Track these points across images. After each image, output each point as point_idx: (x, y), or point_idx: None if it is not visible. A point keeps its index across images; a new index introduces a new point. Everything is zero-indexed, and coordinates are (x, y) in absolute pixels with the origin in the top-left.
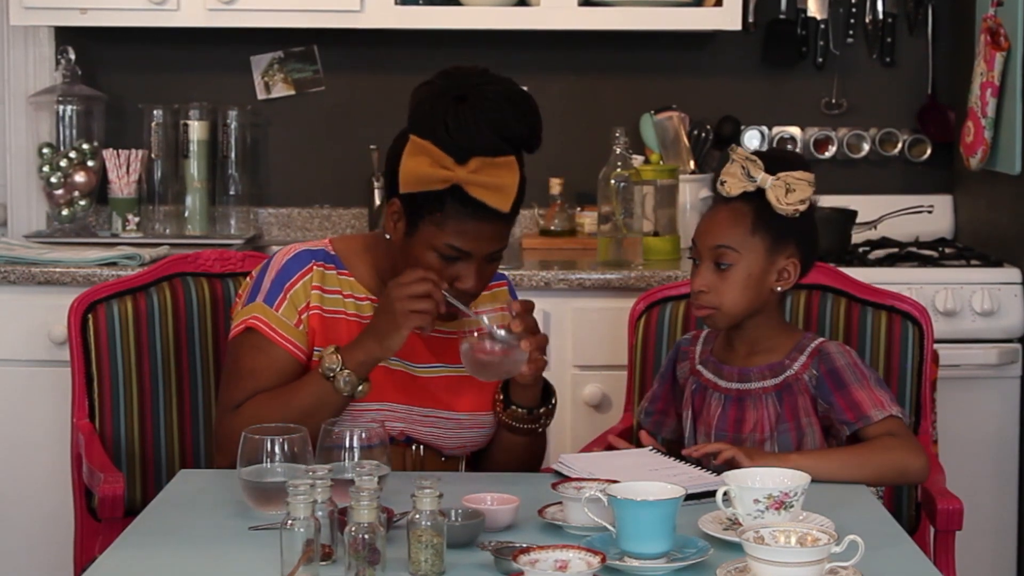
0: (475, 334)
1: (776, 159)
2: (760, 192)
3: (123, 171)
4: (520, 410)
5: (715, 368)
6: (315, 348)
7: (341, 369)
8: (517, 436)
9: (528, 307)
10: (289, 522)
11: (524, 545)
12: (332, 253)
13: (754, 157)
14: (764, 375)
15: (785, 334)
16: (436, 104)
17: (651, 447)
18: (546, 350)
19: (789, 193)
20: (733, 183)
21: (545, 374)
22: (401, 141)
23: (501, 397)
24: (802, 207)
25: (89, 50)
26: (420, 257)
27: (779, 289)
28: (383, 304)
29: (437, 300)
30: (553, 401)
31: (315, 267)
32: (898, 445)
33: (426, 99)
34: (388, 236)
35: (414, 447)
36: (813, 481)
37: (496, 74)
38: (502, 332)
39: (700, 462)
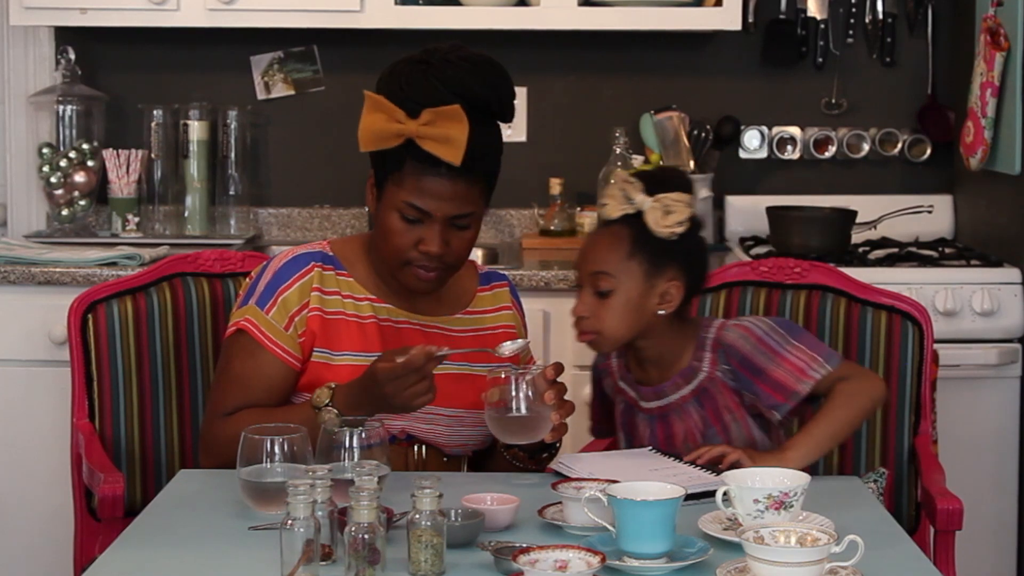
0: (501, 393)
1: (657, 180)
2: (639, 215)
3: (123, 171)
4: (522, 452)
5: (634, 387)
6: (315, 349)
7: (330, 406)
8: (515, 469)
9: (560, 371)
10: (289, 522)
11: (524, 545)
12: (331, 254)
13: (633, 179)
14: (679, 384)
15: (686, 338)
16: (398, 66)
17: (651, 447)
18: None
19: (667, 215)
20: (613, 206)
21: None
22: None
23: None
24: (679, 229)
25: (89, 50)
26: (385, 220)
27: (662, 312)
28: (380, 395)
29: (432, 383)
30: (558, 444)
31: (315, 268)
32: (851, 386)
33: (394, 67)
34: (367, 209)
35: (416, 447)
36: (814, 476)
37: (470, 49)
38: (529, 395)
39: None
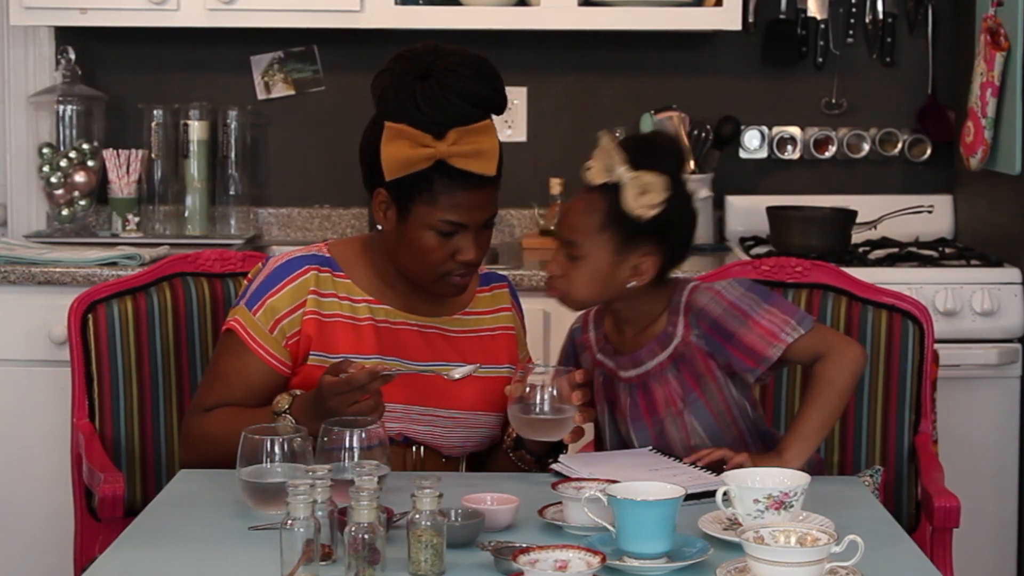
0: (527, 391)
1: (642, 153)
2: (618, 186)
3: (123, 171)
4: (529, 455)
5: (612, 356)
6: (311, 352)
7: (287, 412)
8: (520, 470)
9: (588, 377)
10: (289, 522)
11: (524, 545)
12: (328, 256)
13: (618, 148)
14: (655, 351)
15: (662, 299)
16: (401, 87)
17: (651, 447)
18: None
19: (642, 195)
20: (596, 171)
21: None
22: (373, 131)
23: (514, 435)
24: (652, 212)
25: (89, 50)
26: (417, 239)
27: (632, 284)
28: (325, 408)
29: (379, 400)
30: (565, 451)
31: (311, 271)
32: (830, 366)
33: (389, 85)
34: (380, 227)
35: (414, 448)
36: (814, 477)
37: (447, 46)
38: (555, 395)
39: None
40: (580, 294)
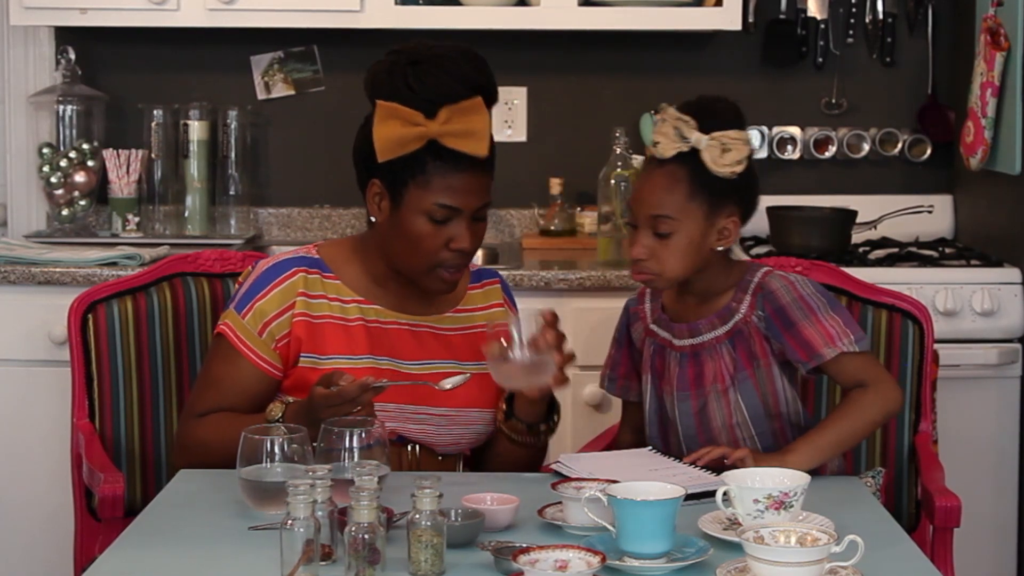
0: (503, 340)
1: (709, 114)
2: (695, 152)
3: (123, 171)
4: (521, 424)
5: (667, 326)
6: (301, 354)
7: (280, 420)
8: (515, 447)
9: (556, 317)
10: (289, 522)
11: (524, 545)
12: (316, 257)
13: (686, 117)
14: (714, 324)
15: (732, 274)
16: (393, 71)
17: (651, 447)
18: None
19: (725, 154)
20: (666, 144)
21: None
22: (366, 126)
23: (504, 407)
24: (739, 168)
25: (89, 50)
26: (411, 226)
27: (720, 248)
28: (317, 419)
29: (370, 412)
30: (556, 418)
31: (299, 273)
32: (867, 397)
33: (380, 71)
34: (374, 219)
35: (409, 447)
36: (814, 476)
37: (439, 42)
38: (527, 346)
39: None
40: (674, 270)
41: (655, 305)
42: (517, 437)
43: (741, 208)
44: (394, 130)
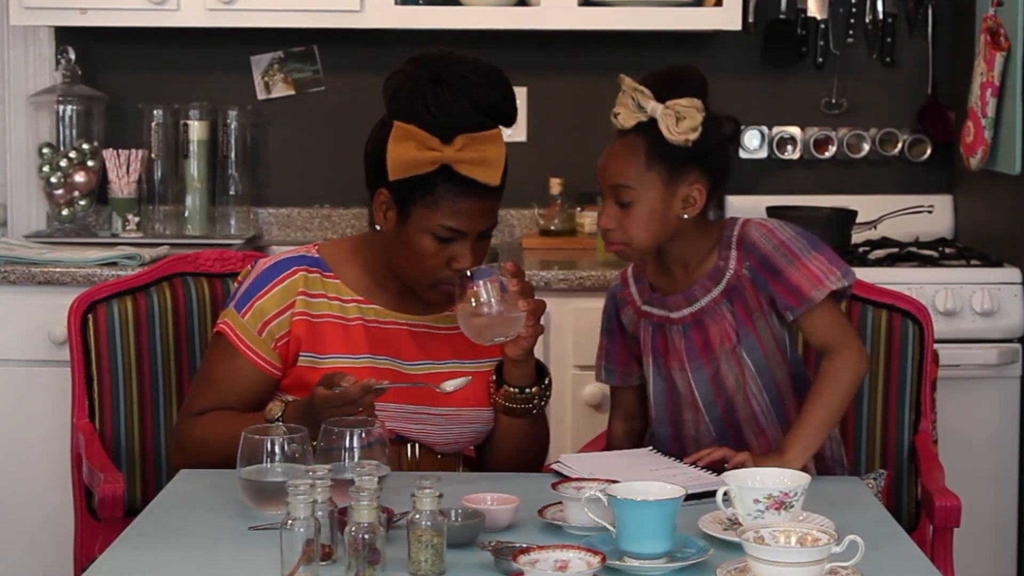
0: (471, 298)
1: (666, 84)
2: (653, 122)
3: (123, 171)
4: (512, 389)
5: (662, 303)
6: (301, 353)
7: (279, 419)
8: (514, 419)
9: (519, 268)
10: (289, 522)
11: (524, 545)
12: (317, 257)
13: (642, 87)
14: (708, 287)
15: (709, 237)
16: (414, 89)
17: (651, 447)
18: (540, 317)
19: (680, 122)
20: (625, 115)
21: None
22: (382, 132)
23: (494, 378)
24: (694, 135)
25: (89, 50)
26: (415, 242)
27: (686, 216)
28: (318, 420)
29: (371, 413)
30: (547, 380)
31: (299, 272)
32: (836, 367)
33: (402, 86)
34: (379, 227)
35: (408, 446)
36: (815, 478)
37: (462, 53)
38: (494, 294)
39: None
40: (640, 239)
41: (642, 288)
42: (512, 404)
43: (706, 175)
44: (408, 152)
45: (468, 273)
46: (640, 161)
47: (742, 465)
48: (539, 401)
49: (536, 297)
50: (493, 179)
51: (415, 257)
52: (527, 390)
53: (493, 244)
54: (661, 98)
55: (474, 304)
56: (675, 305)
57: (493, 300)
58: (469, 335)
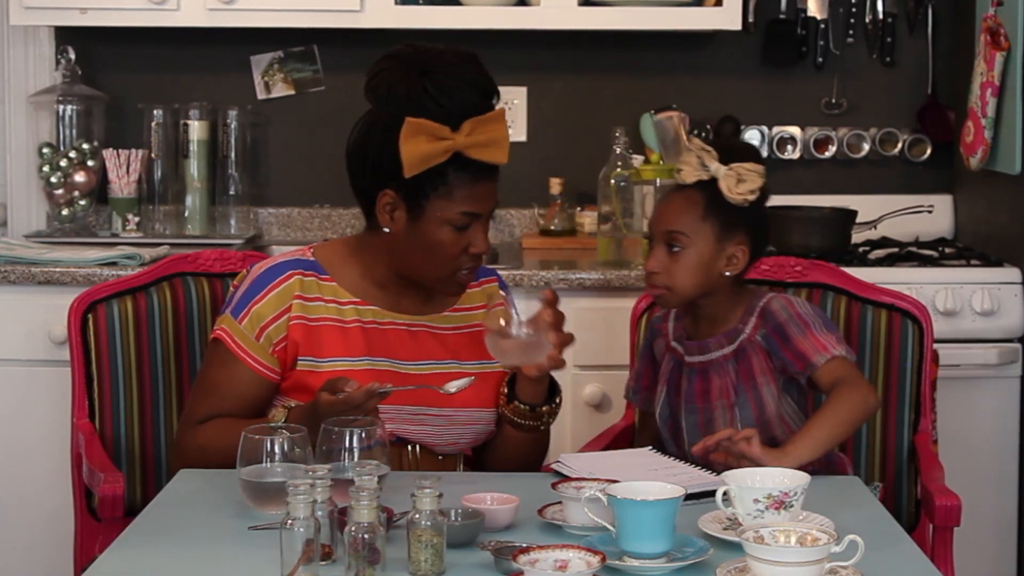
0: (501, 317)
1: (730, 150)
2: (713, 181)
3: (123, 171)
4: (523, 406)
5: (683, 343)
6: (299, 357)
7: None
8: (519, 432)
9: (556, 297)
10: (289, 522)
11: (524, 545)
12: (312, 260)
13: (709, 148)
14: (721, 343)
15: (739, 303)
16: (408, 84)
17: (651, 447)
18: (565, 350)
19: (740, 183)
20: (688, 171)
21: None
22: (374, 132)
23: (505, 391)
24: (752, 197)
25: (89, 50)
26: (434, 236)
27: (727, 274)
28: (319, 423)
29: (375, 418)
30: (558, 400)
31: (294, 276)
32: (849, 390)
33: (394, 84)
34: (387, 229)
35: (409, 447)
36: (814, 475)
37: (423, 44)
38: (524, 325)
39: (698, 461)
40: (683, 286)
41: (677, 324)
42: (520, 420)
43: (751, 240)
44: (420, 146)
45: (502, 291)
46: (697, 212)
47: (747, 440)
48: (548, 419)
49: (566, 330)
50: (501, 158)
51: (433, 250)
52: (538, 408)
53: (493, 244)
54: (725, 160)
55: (503, 323)
56: (690, 350)
57: (522, 325)
58: (492, 352)
